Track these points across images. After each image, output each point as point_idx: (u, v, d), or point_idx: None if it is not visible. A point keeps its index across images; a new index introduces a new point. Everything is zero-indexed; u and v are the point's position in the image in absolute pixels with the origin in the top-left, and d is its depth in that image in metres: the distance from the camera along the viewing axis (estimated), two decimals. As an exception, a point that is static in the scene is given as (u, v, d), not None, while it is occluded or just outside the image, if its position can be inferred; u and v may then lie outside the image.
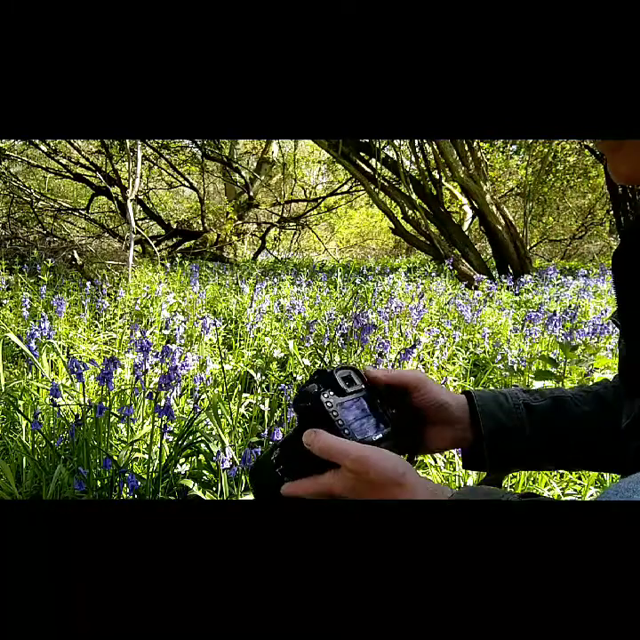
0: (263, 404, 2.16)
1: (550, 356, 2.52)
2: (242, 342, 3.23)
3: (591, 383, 0.77)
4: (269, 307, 3.79)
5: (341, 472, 0.55)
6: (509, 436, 0.68)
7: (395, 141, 6.23)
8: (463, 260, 6.12)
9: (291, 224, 10.98)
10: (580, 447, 0.70)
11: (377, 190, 6.30)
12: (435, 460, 1.86)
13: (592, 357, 2.27)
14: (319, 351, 2.86)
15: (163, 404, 1.60)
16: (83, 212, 8.91)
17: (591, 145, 8.42)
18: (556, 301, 4.62)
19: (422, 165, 6.75)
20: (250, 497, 1.61)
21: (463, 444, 0.70)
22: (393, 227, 6.77)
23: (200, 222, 9.52)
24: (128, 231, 5.32)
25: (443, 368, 2.81)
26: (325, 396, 0.60)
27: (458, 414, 0.68)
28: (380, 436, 0.60)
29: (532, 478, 1.80)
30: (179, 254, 7.75)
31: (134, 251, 5.49)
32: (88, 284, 4.06)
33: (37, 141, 7.97)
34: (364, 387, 0.63)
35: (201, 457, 1.82)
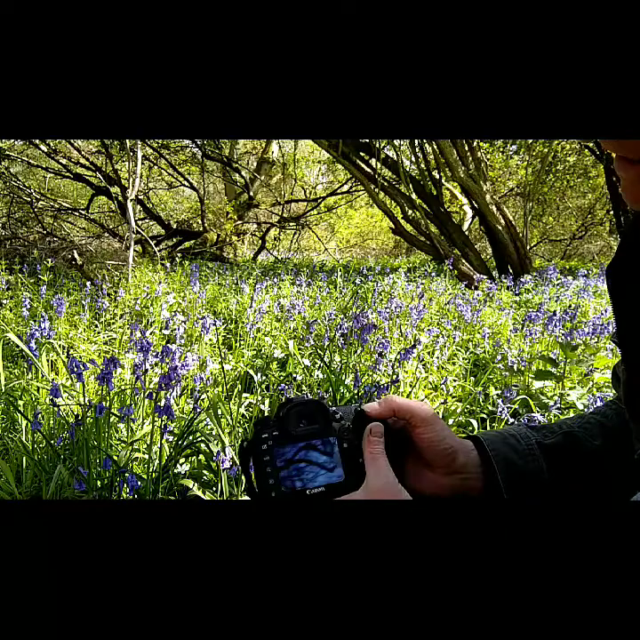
0: (263, 404, 2.16)
1: (550, 356, 2.52)
2: (242, 342, 3.23)
3: (588, 412, 0.73)
4: (269, 307, 3.78)
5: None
6: (527, 481, 0.62)
7: (395, 141, 6.23)
8: (463, 260, 6.12)
9: (291, 224, 10.97)
10: (595, 482, 0.66)
11: (377, 190, 6.30)
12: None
13: (592, 357, 2.27)
14: (319, 351, 2.86)
15: (163, 404, 1.60)
16: (83, 212, 8.91)
17: (591, 145, 8.43)
18: (556, 301, 4.62)
19: (422, 165, 6.75)
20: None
21: (461, 492, 0.62)
22: (393, 227, 6.77)
23: (200, 222, 9.52)
24: (128, 231, 5.32)
25: (443, 368, 2.81)
26: (265, 435, 0.57)
27: (462, 462, 0.61)
28: (317, 489, 0.56)
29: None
30: (179, 254, 7.75)
31: (134, 251, 5.49)
32: (88, 283, 4.06)
33: (37, 141, 7.97)
34: (323, 428, 0.58)
35: (201, 457, 1.82)
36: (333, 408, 0.60)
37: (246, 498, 1.61)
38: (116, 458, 1.75)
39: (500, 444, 0.63)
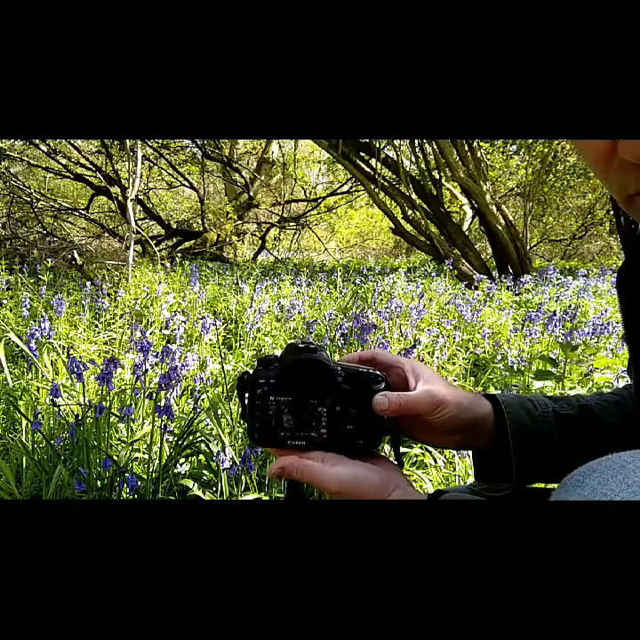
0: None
1: (550, 356, 2.52)
2: (242, 342, 3.23)
3: (607, 391, 0.74)
4: (269, 307, 3.79)
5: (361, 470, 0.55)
6: (537, 446, 0.63)
7: (395, 141, 6.23)
8: (463, 260, 6.12)
9: (291, 224, 10.97)
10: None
11: (377, 190, 6.29)
12: (435, 460, 1.86)
13: (592, 357, 2.27)
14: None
15: (163, 404, 1.60)
16: (83, 212, 8.91)
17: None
18: (556, 301, 4.61)
19: (422, 165, 6.75)
20: (250, 497, 1.61)
21: (474, 447, 0.65)
22: (393, 227, 6.77)
23: (200, 222, 9.53)
24: (128, 231, 5.32)
25: (443, 368, 2.81)
26: (263, 380, 0.57)
27: (476, 421, 0.63)
28: (297, 442, 0.57)
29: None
30: (179, 254, 7.75)
31: (134, 251, 5.49)
32: (88, 283, 4.06)
33: (37, 141, 7.97)
34: (316, 385, 0.58)
35: (201, 457, 1.82)
36: (339, 367, 0.59)
37: (247, 497, 1.62)
38: (116, 458, 1.75)
39: (516, 406, 0.64)
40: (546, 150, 8.20)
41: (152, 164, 9.66)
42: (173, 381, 1.72)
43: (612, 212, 9.42)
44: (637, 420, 0.66)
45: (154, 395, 1.67)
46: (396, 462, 0.61)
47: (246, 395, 0.59)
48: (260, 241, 10.30)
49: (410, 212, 6.65)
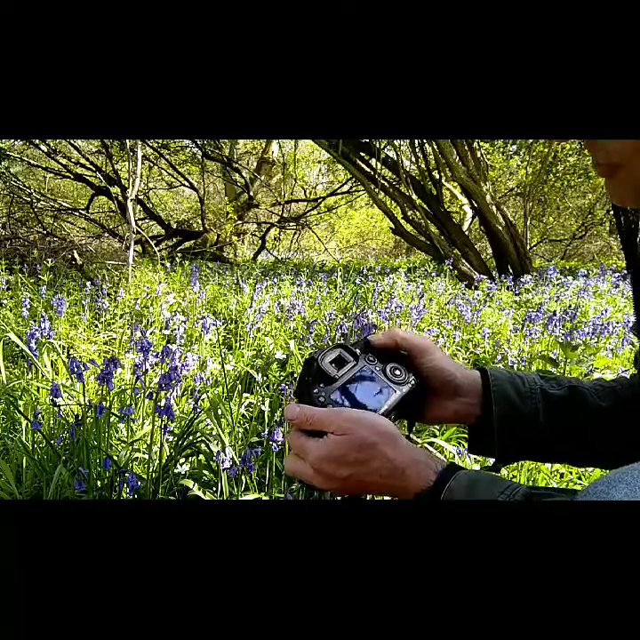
0: (263, 404, 2.16)
1: (550, 356, 2.52)
2: (242, 342, 3.23)
3: (609, 379, 0.75)
4: (269, 307, 3.78)
5: (328, 438, 0.56)
6: (521, 422, 0.65)
7: (395, 141, 6.22)
8: (463, 260, 6.12)
9: (291, 224, 10.97)
10: (594, 442, 0.67)
11: (377, 190, 6.29)
12: (435, 460, 1.86)
13: (592, 357, 2.27)
14: (319, 351, 2.85)
15: (163, 404, 1.60)
16: (83, 212, 8.91)
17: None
18: (556, 301, 4.61)
19: (422, 165, 6.74)
20: (250, 497, 1.61)
21: (467, 419, 0.67)
22: (393, 227, 6.77)
23: (200, 222, 9.52)
24: (128, 231, 5.32)
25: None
26: (316, 390, 0.61)
27: (465, 388, 0.66)
28: (383, 408, 0.61)
29: (532, 478, 1.80)
30: (179, 254, 7.74)
31: (134, 251, 5.49)
32: (88, 284, 4.06)
33: (37, 141, 7.97)
34: (356, 363, 0.63)
35: (201, 457, 1.82)
36: (350, 346, 0.66)
37: (247, 497, 1.62)
38: (116, 458, 1.75)
39: (504, 380, 0.66)
40: (546, 150, 8.19)
41: (152, 164, 9.66)
42: (173, 381, 1.72)
43: (611, 212, 9.40)
44: (630, 407, 0.67)
45: (154, 395, 1.67)
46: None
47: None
48: (259, 241, 10.29)
49: (410, 212, 6.65)
